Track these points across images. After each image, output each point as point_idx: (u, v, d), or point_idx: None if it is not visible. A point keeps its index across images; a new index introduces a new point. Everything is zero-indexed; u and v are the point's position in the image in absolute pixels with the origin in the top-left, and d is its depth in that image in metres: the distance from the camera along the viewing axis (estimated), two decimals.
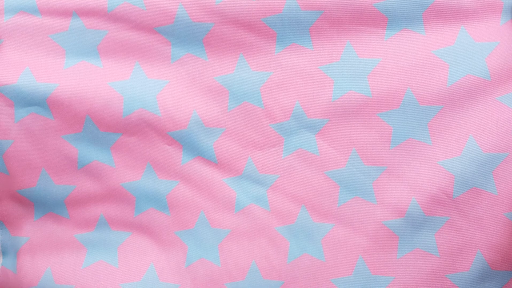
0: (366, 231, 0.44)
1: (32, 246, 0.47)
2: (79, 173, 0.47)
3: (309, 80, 0.44)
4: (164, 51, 0.46)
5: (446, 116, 0.42)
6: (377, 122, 0.43)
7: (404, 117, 0.42)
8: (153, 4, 0.45)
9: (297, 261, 0.45)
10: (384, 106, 0.42)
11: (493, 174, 0.40)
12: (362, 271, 0.43)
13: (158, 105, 0.44)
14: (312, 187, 0.45)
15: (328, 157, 0.45)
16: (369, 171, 0.44)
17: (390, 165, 0.43)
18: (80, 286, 0.45)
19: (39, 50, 0.45)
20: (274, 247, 0.45)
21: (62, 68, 0.45)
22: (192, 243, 0.46)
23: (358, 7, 0.43)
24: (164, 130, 0.45)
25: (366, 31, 0.44)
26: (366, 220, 0.44)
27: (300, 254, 0.45)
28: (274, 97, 0.44)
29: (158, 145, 0.46)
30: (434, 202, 0.42)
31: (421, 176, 0.42)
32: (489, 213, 0.41)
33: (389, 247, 0.43)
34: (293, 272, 0.45)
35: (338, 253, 0.44)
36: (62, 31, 0.45)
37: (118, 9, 0.45)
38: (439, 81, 0.41)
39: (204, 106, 0.45)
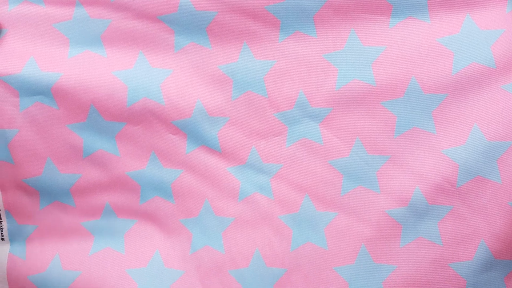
0: (369, 220, 0.44)
1: (41, 234, 0.48)
2: (84, 162, 0.47)
3: (313, 68, 0.44)
4: (168, 40, 0.46)
5: (451, 104, 0.41)
6: (381, 111, 0.43)
7: (408, 106, 0.42)
8: None
9: (300, 249, 0.45)
10: (389, 95, 0.42)
11: (498, 162, 0.40)
12: (365, 259, 0.44)
13: (162, 94, 0.44)
14: (315, 176, 0.45)
15: (332, 146, 0.45)
16: (372, 160, 0.44)
17: (394, 154, 0.43)
18: (87, 272, 0.46)
19: (43, 40, 0.45)
20: (278, 235, 0.46)
21: (66, 58, 0.45)
22: (196, 231, 0.47)
23: None
24: (168, 119, 0.45)
25: (370, 19, 0.43)
26: (370, 209, 0.44)
27: (303, 242, 0.45)
28: (278, 86, 0.44)
29: (162, 134, 0.46)
30: (437, 191, 0.41)
31: (425, 165, 0.42)
32: (493, 202, 0.40)
33: (392, 236, 0.43)
34: (296, 260, 0.45)
35: (341, 241, 0.44)
36: (66, 20, 0.45)
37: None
38: (444, 69, 0.40)
39: (208, 95, 0.45)
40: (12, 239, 0.48)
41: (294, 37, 0.45)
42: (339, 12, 0.43)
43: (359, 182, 0.44)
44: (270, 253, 0.45)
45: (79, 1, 0.45)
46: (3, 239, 0.48)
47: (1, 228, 0.48)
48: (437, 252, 0.42)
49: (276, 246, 0.45)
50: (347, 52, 0.43)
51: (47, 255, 0.47)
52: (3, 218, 0.48)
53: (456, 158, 0.41)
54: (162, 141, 0.47)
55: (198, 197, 0.47)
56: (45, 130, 0.45)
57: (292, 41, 0.45)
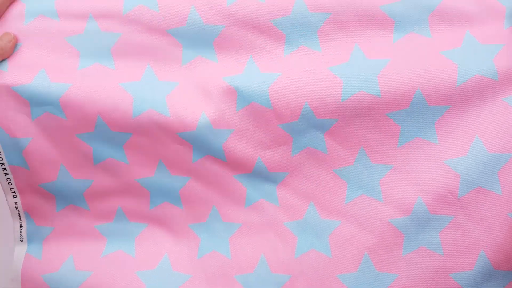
0: (372, 228, 0.44)
1: (57, 235, 0.50)
2: (96, 168, 0.49)
3: (318, 81, 0.44)
4: (176, 53, 0.47)
5: (454, 115, 0.42)
6: (385, 121, 0.43)
7: (412, 117, 0.43)
8: (167, 6, 0.46)
9: (304, 256, 0.46)
10: (393, 106, 0.42)
11: (498, 174, 0.40)
12: (368, 267, 0.44)
13: (167, 106, 0.45)
14: (320, 184, 0.46)
15: (337, 155, 0.46)
16: (376, 169, 0.45)
17: (397, 163, 0.44)
18: (99, 272, 0.48)
19: (55, 52, 0.46)
20: (283, 241, 0.47)
21: (76, 70, 0.46)
22: (204, 236, 0.48)
23: (365, 9, 0.44)
24: (173, 131, 0.46)
25: (373, 34, 0.44)
26: (373, 218, 0.44)
27: (307, 249, 0.46)
28: (282, 98, 0.45)
29: (168, 144, 0.47)
30: (439, 201, 0.42)
31: (427, 175, 0.43)
32: (493, 213, 0.41)
33: (395, 245, 0.44)
34: (300, 267, 0.46)
35: (345, 249, 0.45)
36: (78, 33, 0.46)
37: (133, 12, 0.46)
38: (448, 81, 0.41)
39: (213, 107, 0.46)
40: (30, 240, 0.50)
41: (299, 51, 0.46)
42: (343, 27, 0.45)
43: (362, 191, 0.45)
44: (275, 259, 0.47)
45: (92, 14, 0.46)
46: (21, 240, 0.50)
47: (21, 229, 0.50)
48: (438, 262, 0.42)
49: (281, 252, 0.46)
50: (352, 65, 0.44)
51: (62, 256, 0.49)
52: (23, 219, 0.50)
53: (458, 169, 0.41)
54: (169, 151, 0.48)
55: (206, 203, 0.49)
56: (56, 139, 0.47)
57: (297, 55, 0.46)
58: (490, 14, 0.42)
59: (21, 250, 0.50)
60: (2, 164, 0.48)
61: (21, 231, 0.50)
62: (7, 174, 0.48)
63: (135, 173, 0.49)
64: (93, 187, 0.49)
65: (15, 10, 0.47)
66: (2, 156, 0.47)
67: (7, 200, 0.50)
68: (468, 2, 0.43)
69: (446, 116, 0.42)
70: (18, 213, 0.50)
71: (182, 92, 0.46)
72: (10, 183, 0.49)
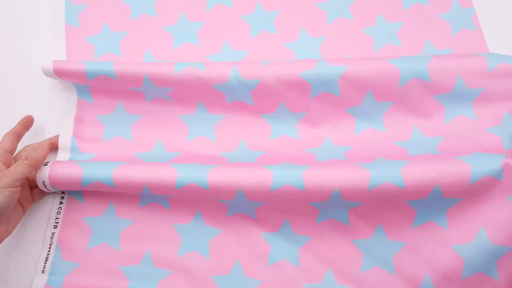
0: None
1: (81, 272, 0.51)
2: (141, 210, 0.53)
3: (347, 170, 0.48)
4: (221, 98, 0.55)
5: (464, 207, 0.48)
6: (405, 206, 0.50)
7: (428, 205, 0.49)
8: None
9: None
10: (414, 196, 0.48)
11: (497, 263, 0.47)
12: None
13: (207, 181, 0.49)
14: (339, 252, 0.51)
15: (357, 228, 0.51)
16: (391, 245, 0.50)
17: (410, 242, 0.50)
18: None
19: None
20: None
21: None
22: None
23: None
24: (213, 198, 0.51)
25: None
26: None
27: None
28: (315, 183, 0.48)
29: (208, 199, 0.51)
30: (445, 280, 0.48)
31: (436, 255, 0.49)
32: None
33: None
34: None
35: None
36: (146, 151, 0.56)
37: (196, 140, 0.57)
38: (463, 179, 0.47)
39: (249, 185, 0.49)
40: (52, 272, 0.51)
41: (321, 95, 0.54)
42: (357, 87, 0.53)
43: (377, 263, 0.50)
44: None
45: (161, 140, 0.57)
46: (43, 272, 0.51)
47: (46, 260, 0.51)
48: None
49: None
50: (377, 163, 0.49)
51: None
52: (51, 252, 0.51)
53: (463, 254, 0.48)
54: (207, 203, 0.52)
55: (232, 257, 0.52)
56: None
57: (319, 99, 0.54)
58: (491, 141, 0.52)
59: (40, 280, 0.51)
60: (63, 192, 0.52)
61: (45, 263, 0.51)
62: (62, 203, 0.52)
63: (174, 219, 0.53)
64: (131, 228, 0.53)
65: (96, 127, 0.57)
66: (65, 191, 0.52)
67: (46, 229, 0.52)
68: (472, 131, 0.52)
69: (457, 206, 0.49)
70: (50, 244, 0.52)
71: (225, 125, 0.57)
72: (59, 212, 0.52)
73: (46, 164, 0.51)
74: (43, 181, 0.50)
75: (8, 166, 0.49)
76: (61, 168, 0.50)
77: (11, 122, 0.54)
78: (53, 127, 0.58)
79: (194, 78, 0.53)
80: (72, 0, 0.63)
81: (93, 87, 0.57)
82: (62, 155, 0.55)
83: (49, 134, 0.57)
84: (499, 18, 0.62)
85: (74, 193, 0.54)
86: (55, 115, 0.58)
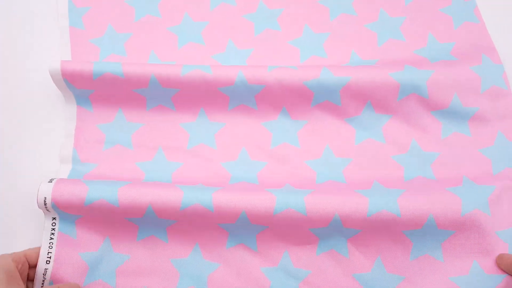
0: None
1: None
2: (137, 244, 0.52)
3: (347, 196, 0.49)
4: (224, 101, 0.56)
5: (457, 239, 0.50)
6: (401, 237, 0.50)
7: (423, 236, 0.50)
8: (223, 144, 0.56)
9: None
10: (409, 226, 0.49)
11: None
12: None
13: (212, 203, 0.49)
14: (339, 286, 0.51)
15: (357, 260, 0.51)
16: (390, 279, 0.50)
17: (409, 276, 0.50)
18: None
19: (124, 176, 0.54)
20: None
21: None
22: None
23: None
24: (215, 222, 0.50)
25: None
26: None
27: None
28: (317, 208, 0.48)
29: (207, 229, 0.51)
30: None
31: (434, 287, 0.49)
32: None
33: None
34: None
35: None
36: (147, 160, 0.56)
37: (196, 148, 0.57)
38: (455, 211, 0.49)
39: (253, 208, 0.49)
40: None
41: (323, 104, 0.56)
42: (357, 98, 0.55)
43: None
44: None
45: (161, 148, 0.57)
46: None
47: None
48: None
49: None
50: (373, 191, 0.51)
51: None
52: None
53: (461, 285, 0.49)
54: (207, 232, 0.52)
55: None
56: (107, 215, 0.50)
57: (321, 107, 0.56)
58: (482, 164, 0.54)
59: None
60: (53, 229, 0.50)
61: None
62: (52, 239, 0.49)
63: (171, 253, 0.51)
64: (128, 263, 0.51)
65: (96, 136, 0.56)
66: (56, 222, 0.50)
67: (38, 265, 0.49)
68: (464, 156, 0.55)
69: (451, 239, 0.50)
70: (43, 282, 0.49)
71: (228, 132, 0.57)
72: (51, 247, 0.49)
73: (51, 181, 0.49)
74: (45, 198, 0.48)
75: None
76: (65, 185, 0.49)
77: (11, 123, 0.55)
78: (52, 129, 0.58)
79: (200, 80, 0.54)
80: (76, 3, 0.63)
81: (93, 94, 0.56)
82: (64, 166, 0.55)
83: (47, 139, 0.57)
84: (500, 11, 0.63)
85: (67, 227, 0.51)
86: (55, 119, 0.58)
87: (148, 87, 0.55)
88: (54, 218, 0.50)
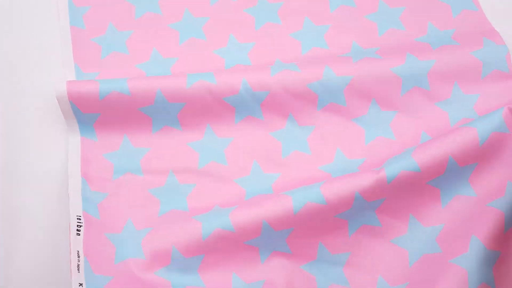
0: None
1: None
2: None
3: (364, 175, 0.49)
4: (230, 114, 0.55)
5: (483, 171, 0.50)
6: (426, 187, 0.50)
7: (449, 180, 0.50)
8: (234, 160, 0.55)
9: None
10: (432, 175, 0.49)
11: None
12: None
13: (231, 223, 0.48)
14: (382, 256, 0.49)
15: (391, 226, 0.50)
16: (430, 231, 0.50)
17: (447, 222, 0.49)
18: None
19: (138, 204, 0.52)
20: None
21: (157, 216, 0.52)
22: None
23: None
24: (241, 241, 0.48)
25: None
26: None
27: None
28: (335, 193, 0.48)
29: (237, 252, 0.49)
30: None
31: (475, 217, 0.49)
32: None
33: None
34: None
35: None
36: (159, 186, 0.53)
37: (207, 166, 0.55)
38: (473, 143, 0.49)
39: (272, 214, 0.48)
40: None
41: (328, 106, 0.56)
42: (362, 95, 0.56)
43: (423, 251, 0.49)
44: None
45: (172, 171, 0.54)
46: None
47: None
48: None
49: None
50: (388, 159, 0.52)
51: None
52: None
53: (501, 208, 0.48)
54: (239, 258, 0.49)
55: None
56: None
57: (327, 110, 0.56)
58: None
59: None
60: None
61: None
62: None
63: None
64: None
65: (104, 166, 0.54)
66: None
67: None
68: None
69: (476, 171, 0.50)
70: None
71: (237, 146, 0.55)
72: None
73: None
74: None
75: None
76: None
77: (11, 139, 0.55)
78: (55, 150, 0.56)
79: (205, 92, 0.54)
80: (76, 2, 0.62)
81: (98, 120, 0.54)
82: (73, 198, 0.52)
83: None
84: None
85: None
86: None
87: (154, 103, 0.53)
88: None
